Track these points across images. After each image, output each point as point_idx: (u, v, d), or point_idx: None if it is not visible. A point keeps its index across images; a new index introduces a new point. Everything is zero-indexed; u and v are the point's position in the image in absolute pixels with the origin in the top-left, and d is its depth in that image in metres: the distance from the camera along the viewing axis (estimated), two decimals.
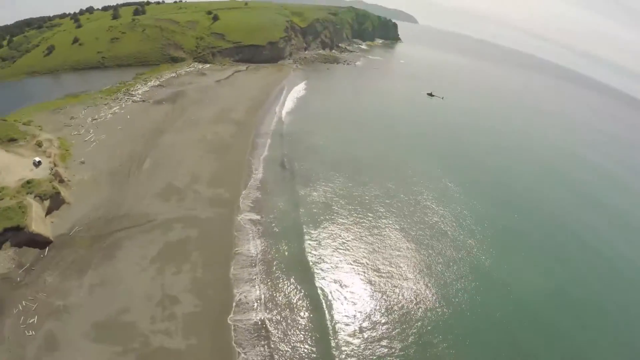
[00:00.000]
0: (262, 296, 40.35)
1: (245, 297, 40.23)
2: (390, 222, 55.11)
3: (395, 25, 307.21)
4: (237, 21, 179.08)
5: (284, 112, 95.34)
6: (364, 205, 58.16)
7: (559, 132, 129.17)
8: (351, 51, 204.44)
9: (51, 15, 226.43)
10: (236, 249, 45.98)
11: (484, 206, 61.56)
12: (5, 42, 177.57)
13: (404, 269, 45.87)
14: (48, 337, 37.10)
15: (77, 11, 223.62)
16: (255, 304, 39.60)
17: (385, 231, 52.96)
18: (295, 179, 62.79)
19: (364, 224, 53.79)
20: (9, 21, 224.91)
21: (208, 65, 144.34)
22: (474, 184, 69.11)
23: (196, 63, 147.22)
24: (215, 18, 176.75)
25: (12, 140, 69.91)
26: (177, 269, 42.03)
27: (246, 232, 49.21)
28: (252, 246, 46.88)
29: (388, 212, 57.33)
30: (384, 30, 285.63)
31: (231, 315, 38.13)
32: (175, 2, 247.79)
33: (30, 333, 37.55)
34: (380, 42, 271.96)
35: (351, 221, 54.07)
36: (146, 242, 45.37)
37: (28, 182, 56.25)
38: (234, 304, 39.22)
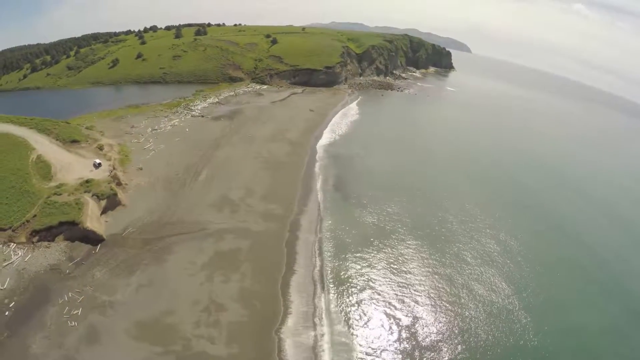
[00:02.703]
0: (311, 314, 56.11)
1: (293, 312, 56.05)
2: (442, 249, 74.89)
3: (448, 54, 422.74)
4: (295, 45, 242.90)
5: (338, 135, 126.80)
6: (415, 231, 79.46)
7: None
8: (405, 78, 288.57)
9: (117, 31, 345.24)
10: (286, 264, 64.89)
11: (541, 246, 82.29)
12: (72, 53, 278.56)
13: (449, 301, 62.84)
14: (90, 330, 56.10)
15: (141, 29, 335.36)
16: (303, 321, 55.01)
17: (437, 258, 72.35)
18: (347, 200, 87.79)
19: (413, 249, 73.86)
20: (77, 34, 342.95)
21: (265, 86, 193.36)
22: (534, 225, 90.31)
23: (254, 83, 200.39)
24: (274, 41, 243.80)
25: (75, 141, 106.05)
26: (226, 277, 60.84)
27: (297, 248, 69.45)
28: (302, 262, 66.01)
29: (440, 239, 77.68)
30: (437, 59, 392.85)
31: (277, 329, 52.81)
32: (235, 25, 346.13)
33: (73, 324, 57.07)
34: (434, 70, 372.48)
35: (402, 246, 73.97)
36: (197, 249, 66.36)
37: (87, 181, 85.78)
38: (281, 318, 54.63)
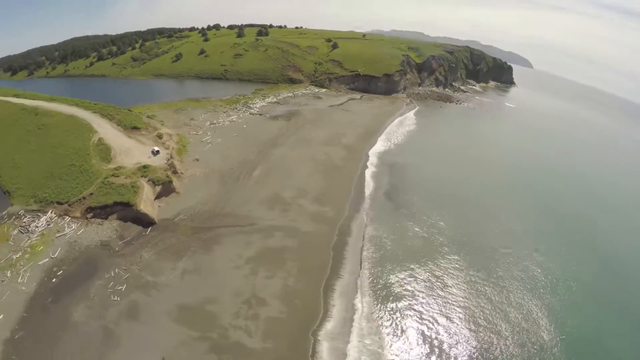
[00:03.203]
0: (349, 320, 59.47)
1: (333, 317, 59.79)
2: (487, 269, 75.69)
3: (510, 68, 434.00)
4: (355, 51, 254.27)
5: (393, 144, 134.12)
6: (462, 247, 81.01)
7: None
8: (464, 91, 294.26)
9: (181, 27, 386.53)
10: (331, 267, 69.23)
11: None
12: (137, 45, 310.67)
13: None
14: (131, 306, 62.10)
15: (205, 26, 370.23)
16: (341, 325, 58.50)
17: (480, 278, 73.13)
18: (398, 210, 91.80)
19: (458, 266, 75.01)
20: (142, 28, 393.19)
21: (324, 90, 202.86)
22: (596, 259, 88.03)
23: (313, 86, 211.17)
24: (335, 46, 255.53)
25: (135, 128, 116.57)
26: (270, 273, 66.15)
27: (344, 253, 73.82)
28: (348, 267, 70.05)
29: (486, 259, 78.43)
30: (498, 73, 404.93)
31: (314, 330, 56.54)
32: (296, 27, 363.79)
33: (116, 298, 63.57)
34: (494, 84, 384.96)
35: (447, 262, 75.56)
36: (245, 243, 72.66)
37: (144, 166, 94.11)
38: (319, 320, 58.43)
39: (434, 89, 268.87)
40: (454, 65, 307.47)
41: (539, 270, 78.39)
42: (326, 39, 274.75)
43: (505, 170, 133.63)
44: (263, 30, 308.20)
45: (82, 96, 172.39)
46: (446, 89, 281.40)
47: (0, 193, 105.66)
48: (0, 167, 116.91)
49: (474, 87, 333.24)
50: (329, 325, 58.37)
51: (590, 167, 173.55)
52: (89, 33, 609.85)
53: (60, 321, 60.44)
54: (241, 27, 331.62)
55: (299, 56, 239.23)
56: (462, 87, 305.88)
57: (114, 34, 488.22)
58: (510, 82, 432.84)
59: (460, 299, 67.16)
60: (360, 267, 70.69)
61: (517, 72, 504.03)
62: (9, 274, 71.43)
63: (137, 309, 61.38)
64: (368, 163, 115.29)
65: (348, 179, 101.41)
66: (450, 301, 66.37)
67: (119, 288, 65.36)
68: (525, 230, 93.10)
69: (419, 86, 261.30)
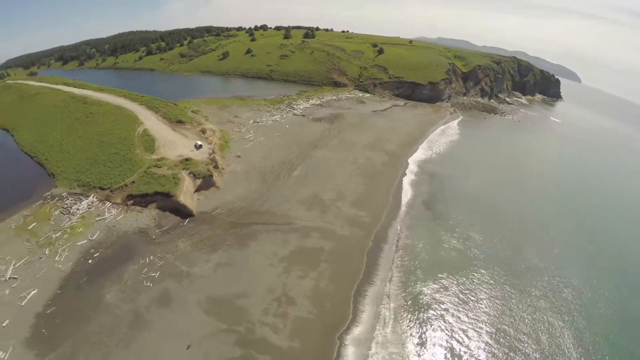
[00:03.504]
0: (377, 327, 60.94)
1: (360, 322, 61.05)
2: (521, 289, 74.71)
3: (557, 82, 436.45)
4: (401, 57, 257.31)
5: (435, 153, 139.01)
6: (498, 263, 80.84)
7: None
8: (510, 103, 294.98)
9: (229, 26, 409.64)
10: (364, 272, 70.85)
11: None
12: (185, 42, 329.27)
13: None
14: (163, 293, 65.84)
15: (252, 27, 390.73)
16: (368, 331, 60.10)
17: (514, 297, 72.38)
18: (436, 220, 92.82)
19: (492, 283, 74.79)
20: (191, 25, 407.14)
21: (368, 95, 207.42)
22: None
23: (357, 91, 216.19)
24: (381, 51, 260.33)
25: (180, 122, 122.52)
26: (303, 273, 68.81)
27: (378, 259, 75.49)
28: (381, 274, 71.67)
29: (521, 278, 77.53)
30: (545, 86, 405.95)
31: (341, 334, 58.13)
32: (343, 31, 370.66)
33: (148, 284, 67.59)
34: (541, 97, 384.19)
35: (481, 277, 75.60)
36: (280, 241, 75.51)
37: (186, 159, 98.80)
38: (347, 324, 60.01)
39: (479, 99, 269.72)
40: (500, 76, 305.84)
41: (576, 296, 76.56)
42: (372, 44, 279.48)
43: (548, 187, 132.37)
44: (310, 33, 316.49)
45: (129, 88, 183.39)
46: (491, 100, 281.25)
47: (45, 175, 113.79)
48: (48, 150, 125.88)
49: (519, 99, 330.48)
50: (357, 331, 59.61)
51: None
52: (139, 28, 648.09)
53: (92, 301, 65.07)
54: (288, 29, 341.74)
55: (345, 60, 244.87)
56: (507, 99, 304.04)
57: (163, 30, 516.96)
58: (558, 96, 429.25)
59: (491, 317, 66.60)
60: (393, 275, 72.60)
61: (565, 86, 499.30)
62: (47, 252, 77.50)
63: (168, 296, 65.05)
64: (408, 170, 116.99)
65: (387, 185, 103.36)
66: (480, 318, 66.08)
67: (152, 274, 69.58)
68: (566, 251, 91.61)
69: (464, 96, 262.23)
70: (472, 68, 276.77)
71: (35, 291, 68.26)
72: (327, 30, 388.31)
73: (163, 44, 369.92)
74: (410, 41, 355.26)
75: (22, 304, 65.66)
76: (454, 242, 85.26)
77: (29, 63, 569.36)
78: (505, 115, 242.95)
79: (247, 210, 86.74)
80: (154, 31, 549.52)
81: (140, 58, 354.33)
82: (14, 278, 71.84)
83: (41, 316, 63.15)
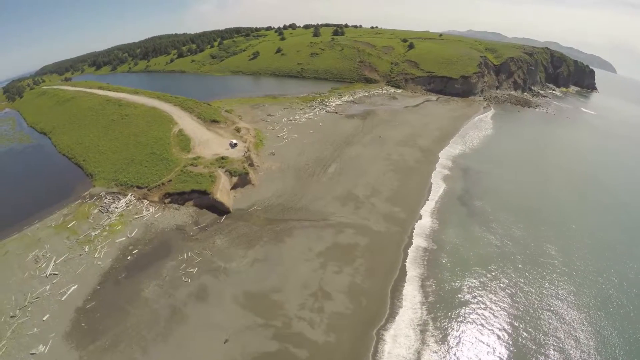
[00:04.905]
0: (414, 324, 61.84)
1: (397, 319, 62.26)
2: (558, 287, 73.64)
3: (592, 73, 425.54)
4: (432, 51, 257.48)
5: (469, 148, 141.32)
6: (537, 260, 79.97)
7: None
8: (543, 96, 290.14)
9: (258, 26, 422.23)
10: (400, 268, 72.42)
11: None
12: (216, 44, 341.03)
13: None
14: (200, 288, 68.57)
15: (281, 26, 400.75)
16: (405, 329, 60.56)
17: (551, 296, 71.36)
18: (471, 217, 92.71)
19: (530, 281, 73.91)
20: (220, 27, 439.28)
21: (400, 91, 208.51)
22: None
23: (388, 87, 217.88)
24: (411, 46, 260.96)
25: (214, 121, 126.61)
26: (339, 269, 70.84)
27: (413, 255, 76.70)
28: (417, 270, 72.74)
29: (560, 278, 76.13)
30: (579, 77, 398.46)
31: (377, 330, 59.43)
32: (372, 27, 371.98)
33: (186, 280, 70.64)
34: (575, 89, 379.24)
35: (519, 276, 74.89)
36: (316, 237, 78.05)
37: (222, 158, 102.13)
38: (384, 320, 61.31)
39: (512, 92, 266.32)
40: (533, 68, 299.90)
41: (617, 297, 73.82)
42: (402, 39, 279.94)
43: (585, 183, 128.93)
44: (339, 30, 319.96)
45: (163, 90, 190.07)
46: (524, 93, 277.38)
47: (83, 175, 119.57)
48: (86, 152, 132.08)
49: (553, 91, 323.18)
50: (394, 327, 60.36)
51: None
52: (169, 32, 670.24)
53: (131, 296, 68.63)
54: (317, 27, 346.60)
55: (375, 56, 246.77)
56: (541, 92, 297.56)
57: (193, 32, 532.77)
58: (592, 88, 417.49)
59: (530, 317, 65.77)
60: (430, 272, 72.37)
61: (600, 77, 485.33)
62: (86, 249, 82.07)
63: (206, 291, 67.77)
64: (442, 166, 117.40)
65: (421, 181, 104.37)
66: (518, 318, 65.27)
67: (190, 270, 72.64)
68: (606, 249, 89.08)
69: (497, 89, 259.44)
70: (504, 60, 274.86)
71: (75, 287, 72.58)
72: (356, 27, 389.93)
73: (194, 46, 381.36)
74: (440, 35, 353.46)
75: (62, 299, 69.95)
76: (491, 238, 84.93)
77: (63, 69, 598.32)
78: (539, 108, 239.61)
79: (283, 207, 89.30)
80: (184, 34, 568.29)
81: (172, 61, 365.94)
82: (54, 274, 76.56)
83: (81, 310, 67.16)
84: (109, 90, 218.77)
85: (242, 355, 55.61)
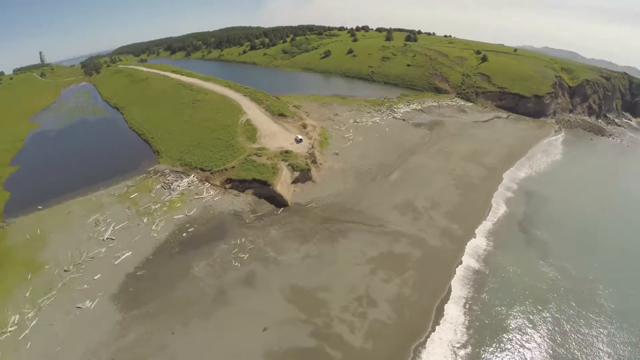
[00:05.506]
0: (455, 344, 60.05)
1: (437, 338, 60.50)
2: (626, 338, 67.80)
3: None
4: (505, 66, 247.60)
5: (535, 171, 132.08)
6: (597, 302, 74.15)
7: None
8: (618, 125, 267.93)
9: (330, 25, 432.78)
10: (450, 287, 70.31)
11: None
12: (288, 39, 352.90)
13: None
14: (249, 275, 70.52)
15: (354, 27, 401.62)
16: (445, 349, 59.05)
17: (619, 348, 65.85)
18: (529, 245, 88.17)
19: (590, 327, 68.84)
20: (293, 23, 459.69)
21: (470, 104, 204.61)
22: None
23: (458, 98, 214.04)
24: (484, 59, 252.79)
25: (282, 115, 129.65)
26: (387, 277, 70.09)
27: (462, 275, 74.34)
28: (466, 292, 70.42)
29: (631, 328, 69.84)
30: None
31: (417, 346, 58.23)
32: (445, 36, 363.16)
33: (236, 265, 72.87)
34: None
35: (579, 320, 69.89)
36: (370, 242, 78.71)
37: (286, 151, 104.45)
38: (425, 337, 60.00)
39: (586, 117, 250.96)
40: (610, 93, 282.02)
41: None
42: (475, 51, 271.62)
43: None
44: (412, 36, 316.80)
45: (234, 80, 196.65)
46: (599, 120, 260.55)
47: (150, 152, 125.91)
48: (155, 130, 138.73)
49: (629, 121, 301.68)
50: (433, 346, 58.82)
51: None
52: (243, 24, 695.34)
53: (180, 271, 72.07)
54: (390, 31, 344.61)
55: (447, 66, 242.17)
56: (616, 120, 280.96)
57: (266, 27, 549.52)
58: None
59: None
60: (479, 295, 70.42)
61: None
62: (145, 220, 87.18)
63: (254, 278, 69.75)
64: (506, 187, 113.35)
65: (483, 200, 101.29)
66: (562, 355, 61.70)
67: (241, 256, 75.01)
68: None
69: (570, 112, 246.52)
70: (579, 82, 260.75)
71: (129, 253, 77.54)
72: (429, 34, 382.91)
73: (266, 40, 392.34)
74: (515, 49, 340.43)
75: (115, 263, 75.12)
76: (546, 271, 79.86)
77: (139, 51, 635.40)
78: (613, 138, 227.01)
79: (341, 207, 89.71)
80: (257, 27, 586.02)
81: (244, 52, 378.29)
82: (111, 239, 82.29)
83: (131, 276, 71.65)
84: (182, 75, 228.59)
85: (279, 346, 56.81)
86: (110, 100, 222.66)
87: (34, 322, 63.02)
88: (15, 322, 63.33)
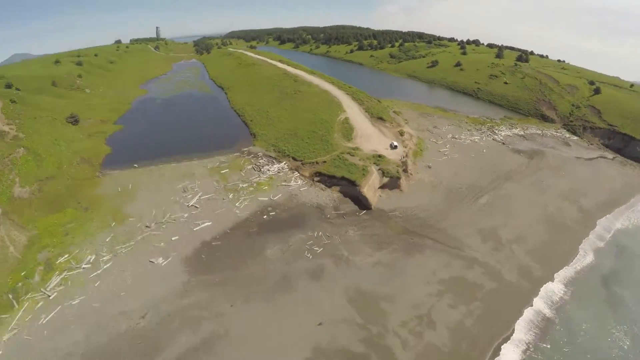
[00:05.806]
0: None
1: None
2: None
3: None
4: (618, 102, 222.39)
5: (633, 225, 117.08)
6: None
7: None
8: None
9: (440, 35, 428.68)
10: (514, 329, 66.71)
11: None
12: (397, 44, 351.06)
13: None
14: (318, 268, 71.94)
15: (464, 39, 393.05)
16: None
17: None
18: (609, 304, 79.99)
19: None
20: (403, 29, 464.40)
21: (575, 138, 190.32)
22: None
23: (564, 130, 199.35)
24: (597, 91, 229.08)
25: (381, 119, 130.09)
26: (454, 303, 68.06)
27: (529, 317, 70.34)
28: (530, 337, 66.34)
29: None
30: None
31: None
32: (558, 60, 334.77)
33: (308, 256, 74.63)
34: None
35: None
36: (444, 263, 77.13)
37: (379, 156, 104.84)
38: None
39: None
40: None
41: None
42: (589, 81, 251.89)
43: None
44: (523, 56, 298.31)
45: (338, 77, 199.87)
46: None
47: (247, 133, 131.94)
48: (255, 114, 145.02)
49: None
50: None
51: None
52: (353, 24, 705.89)
53: (254, 250, 75.73)
54: (501, 48, 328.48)
55: (557, 93, 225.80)
56: None
57: (375, 29, 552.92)
58: None
59: None
60: (543, 344, 65.85)
61: None
62: (230, 196, 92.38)
63: (322, 272, 71.27)
64: (597, 235, 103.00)
65: (570, 244, 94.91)
66: None
67: (315, 248, 76.88)
68: None
69: None
70: None
71: (209, 223, 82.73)
72: (541, 56, 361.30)
73: (374, 42, 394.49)
74: (632, 85, 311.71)
75: (194, 229, 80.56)
76: (620, 337, 71.90)
77: (250, 37, 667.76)
78: None
79: (423, 221, 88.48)
80: (367, 28, 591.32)
81: (352, 51, 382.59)
82: (195, 207, 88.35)
83: (206, 245, 76.50)
84: (288, 65, 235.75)
85: (329, 343, 57.88)
86: (216, 79, 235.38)
87: (108, 265, 69.78)
88: (91, 261, 70.46)
